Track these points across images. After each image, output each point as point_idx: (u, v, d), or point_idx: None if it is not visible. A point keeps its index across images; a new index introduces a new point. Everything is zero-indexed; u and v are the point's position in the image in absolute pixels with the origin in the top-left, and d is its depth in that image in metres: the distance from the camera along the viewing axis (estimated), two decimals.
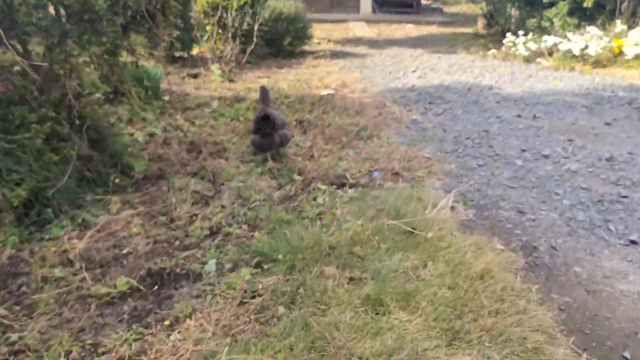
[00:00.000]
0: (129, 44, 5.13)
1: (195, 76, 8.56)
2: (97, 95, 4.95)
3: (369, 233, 3.42)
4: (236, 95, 7.31)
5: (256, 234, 3.67)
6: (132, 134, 5.75)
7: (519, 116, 6.36)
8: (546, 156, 5.09)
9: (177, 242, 3.63)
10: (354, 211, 3.83)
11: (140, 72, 5.95)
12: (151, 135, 5.77)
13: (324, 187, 4.35)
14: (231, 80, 8.27)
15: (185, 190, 4.36)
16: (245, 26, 9.07)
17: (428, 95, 7.32)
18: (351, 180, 4.49)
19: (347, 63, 9.77)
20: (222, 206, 4.08)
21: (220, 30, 10.04)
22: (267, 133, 4.87)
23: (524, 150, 5.23)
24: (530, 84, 8.05)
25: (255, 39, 8.87)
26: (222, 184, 4.50)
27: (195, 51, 10.22)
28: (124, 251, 3.55)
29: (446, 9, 20.41)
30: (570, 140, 5.51)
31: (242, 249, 3.44)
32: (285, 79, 8.29)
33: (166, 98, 7.28)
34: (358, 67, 9.37)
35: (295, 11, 10.26)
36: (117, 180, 4.40)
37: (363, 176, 4.59)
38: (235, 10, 9.84)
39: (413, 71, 8.99)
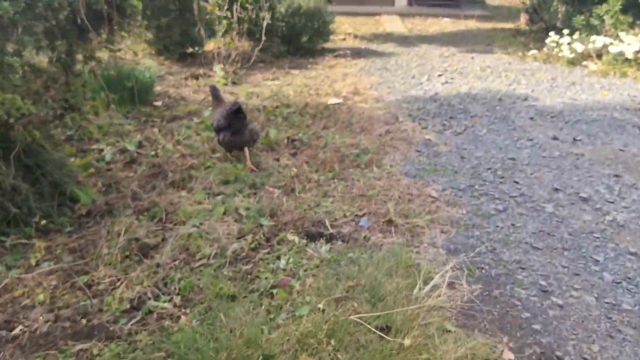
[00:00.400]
0: (87, 49, 4.26)
1: (197, 77, 7.64)
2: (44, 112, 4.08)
3: (327, 330, 2.42)
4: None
5: (186, 314, 2.73)
6: (101, 150, 4.91)
7: (555, 138, 5.19)
8: (585, 199, 3.96)
9: (84, 321, 2.73)
10: (318, 285, 2.84)
11: (99, 81, 5.04)
12: (123, 151, 4.90)
13: (294, 238, 3.37)
14: (235, 83, 7.32)
15: (125, 236, 3.46)
16: (261, 21, 8.08)
17: (450, 107, 6.20)
18: (330, 230, 3.49)
19: (368, 64, 8.68)
20: (158, 265, 3.15)
21: (236, 25, 9.14)
22: (238, 129, 4.34)
23: (557, 190, 4.11)
24: (573, 93, 6.82)
25: (264, 37, 7.89)
26: (172, 228, 3.57)
27: (210, 46, 9.29)
28: (14, 332, 2.67)
29: (489, 1, 18.87)
30: (617, 175, 4.35)
31: (156, 344, 2.50)
32: (293, 83, 7.28)
33: (158, 103, 6.42)
34: (379, 69, 8.27)
35: (315, 5, 9.21)
36: (43, 222, 3.54)
37: (347, 223, 3.59)
38: (250, 3, 8.92)
39: (439, 75, 7.84)
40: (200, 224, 3.58)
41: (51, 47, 4.21)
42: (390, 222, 3.57)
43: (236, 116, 4.32)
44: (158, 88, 7.02)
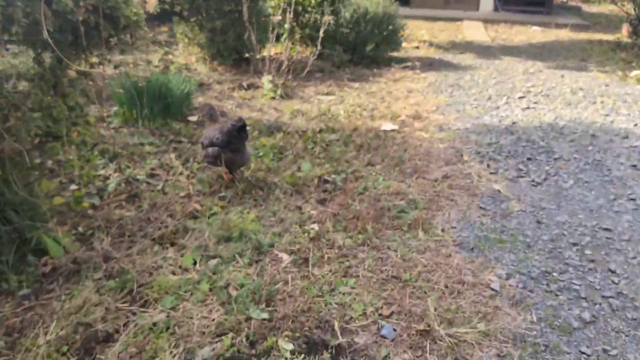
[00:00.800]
0: (79, 64, 3.45)
1: (246, 88, 6.77)
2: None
3: None
4: (274, 122, 5.43)
5: None
6: (107, 177, 4.12)
7: None
8: None
9: None
10: None
11: (93, 101, 4.23)
12: (130, 181, 4.10)
13: (288, 348, 2.38)
14: (283, 97, 6.38)
15: (75, 316, 2.60)
16: (325, 26, 7.06)
17: (529, 143, 4.94)
18: (340, 338, 2.46)
19: (440, 78, 7.48)
20: None
21: (297, 29, 8.22)
22: (236, 148, 3.77)
23: None
24: None
25: (319, 46, 6.89)
26: (138, 310, 2.66)
27: (272, 52, 8.37)
28: None
29: (586, 7, 16.88)
30: None
31: None
32: (347, 100, 6.25)
33: (193, 118, 5.59)
34: (450, 86, 7.06)
35: (384, 11, 8.09)
36: None
37: (365, 328, 2.54)
38: (313, 7, 7.96)
39: (520, 97, 6.53)
40: (174, 307, 2.66)
41: (37, 61, 3.45)
42: (426, 332, 2.49)
43: (239, 135, 3.72)
44: (200, 99, 6.22)
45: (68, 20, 2.94)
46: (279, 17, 7.50)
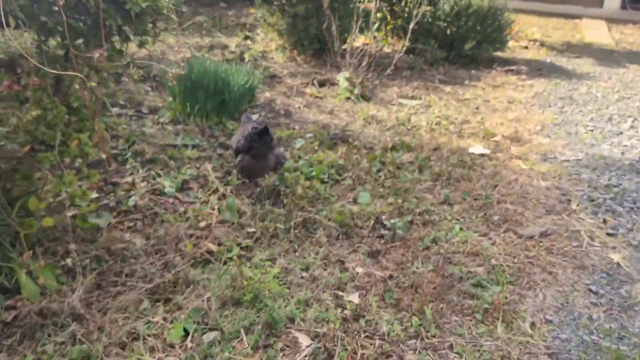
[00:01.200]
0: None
1: (321, 84, 5.88)
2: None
3: None
4: (340, 131, 4.51)
5: None
6: (133, 185, 3.44)
7: None
8: None
9: None
10: None
11: (96, 107, 3.48)
12: (157, 193, 3.39)
13: None
14: (359, 99, 5.41)
15: None
16: (416, 18, 5.93)
17: None
18: None
19: (549, 88, 6.15)
20: None
21: (391, 19, 7.18)
22: (260, 153, 3.25)
23: None
24: None
25: (407, 42, 5.80)
26: None
27: (357, 43, 7.38)
28: None
29: None
30: None
31: None
32: (433, 109, 5.17)
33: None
34: (561, 99, 5.75)
35: (490, 4, 6.80)
36: None
37: None
38: None
39: None
40: None
41: (40, 50, 2.75)
42: None
43: (260, 139, 3.18)
44: (267, 94, 5.42)
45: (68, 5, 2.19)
46: (371, 5, 6.49)
